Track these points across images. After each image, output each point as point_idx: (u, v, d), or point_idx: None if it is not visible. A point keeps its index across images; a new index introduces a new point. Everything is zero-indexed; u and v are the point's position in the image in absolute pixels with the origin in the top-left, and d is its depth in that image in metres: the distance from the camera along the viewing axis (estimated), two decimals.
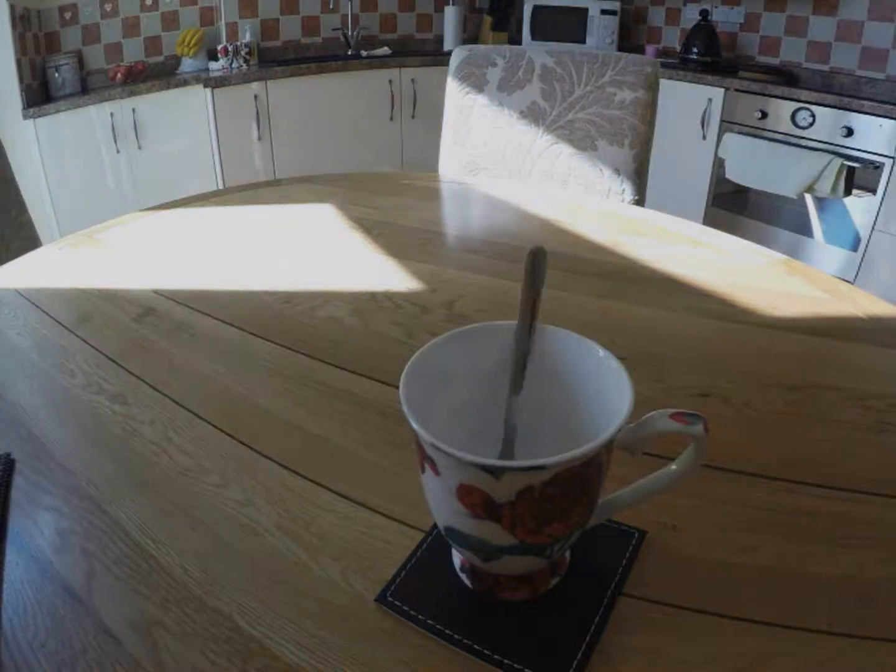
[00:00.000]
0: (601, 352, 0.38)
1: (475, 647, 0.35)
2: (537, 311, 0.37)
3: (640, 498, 0.38)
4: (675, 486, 0.37)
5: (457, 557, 0.41)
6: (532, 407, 0.40)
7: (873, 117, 2.18)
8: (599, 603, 0.37)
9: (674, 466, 0.37)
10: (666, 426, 0.34)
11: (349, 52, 3.32)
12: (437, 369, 0.38)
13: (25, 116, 2.43)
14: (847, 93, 2.48)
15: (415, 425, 0.32)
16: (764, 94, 2.49)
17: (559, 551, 0.36)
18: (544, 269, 0.36)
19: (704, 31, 2.92)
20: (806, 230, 2.52)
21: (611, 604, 0.37)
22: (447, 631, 0.36)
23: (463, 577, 0.39)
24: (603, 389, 0.37)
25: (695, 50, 2.93)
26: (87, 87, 2.75)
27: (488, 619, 0.37)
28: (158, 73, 2.95)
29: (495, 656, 0.35)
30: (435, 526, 0.42)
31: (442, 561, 0.41)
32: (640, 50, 3.34)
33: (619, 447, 0.35)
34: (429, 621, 0.37)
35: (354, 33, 3.36)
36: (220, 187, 2.85)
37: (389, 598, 0.38)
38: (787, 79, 2.76)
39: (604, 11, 3.13)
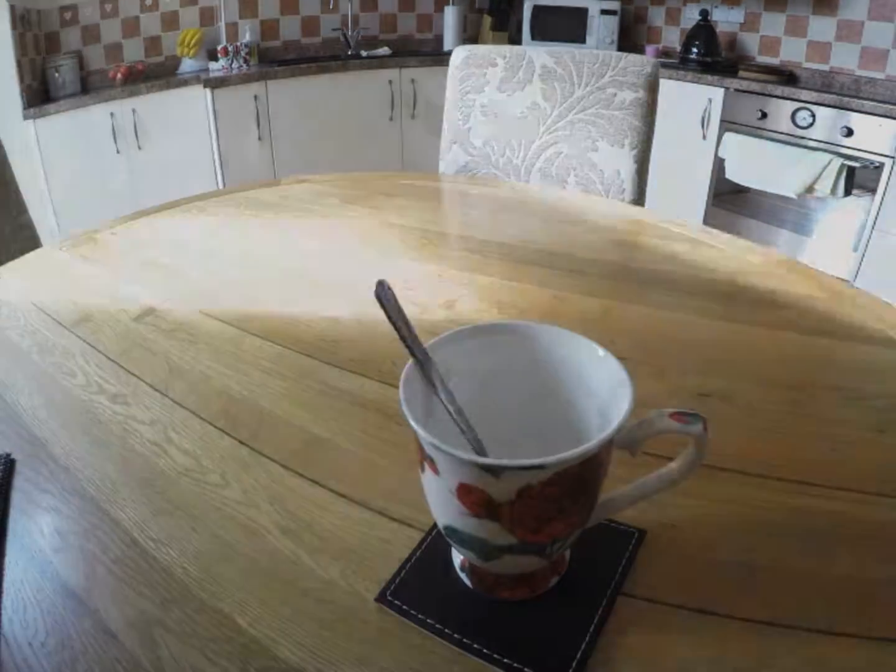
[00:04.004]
0: (601, 352, 0.38)
1: (475, 646, 0.35)
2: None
3: (640, 497, 0.38)
4: (675, 486, 0.37)
5: (457, 557, 0.41)
6: (530, 406, 0.40)
7: (873, 117, 2.18)
8: (599, 602, 0.37)
9: (674, 466, 0.37)
10: (666, 426, 0.34)
11: (349, 52, 3.32)
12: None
13: (25, 116, 2.43)
14: (847, 93, 2.48)
15: (414, 425, 0.32)
16: (764, 94, 2.49)
17: (559, 550, 0.36)
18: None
19: (704, 31, 2.92)
20: (806, 230, 2.52)
21: (610, 603, 0.37)
22: (447, 630, 0.36)
23: (463, 576, 0.39)
24: (602, 389, 0.37)
25: (695, 50, 2.93)
26: (87, 88, 2.75)
27: (488, 618, 0.37)
28: (158, 73, 2.95)
29: (495, 655, 0.35)
30: (435, 525, 0.42)
31: (442, 560, 0.41)
32: (640, 50, 3.34)
33: (619, 447, 0.35)
34: (428, 621, 0.37)
35: (354, 33, 3.36)
36: (220, 187, 2.86)
37: (389, 598, 0.38)
38: (787, 79, 2.76)
39: (604, 11, 3.13)
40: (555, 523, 0.33)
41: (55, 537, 0.43)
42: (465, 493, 0.32)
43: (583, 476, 0.32)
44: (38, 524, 0.44)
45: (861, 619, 0.36)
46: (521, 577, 0.38)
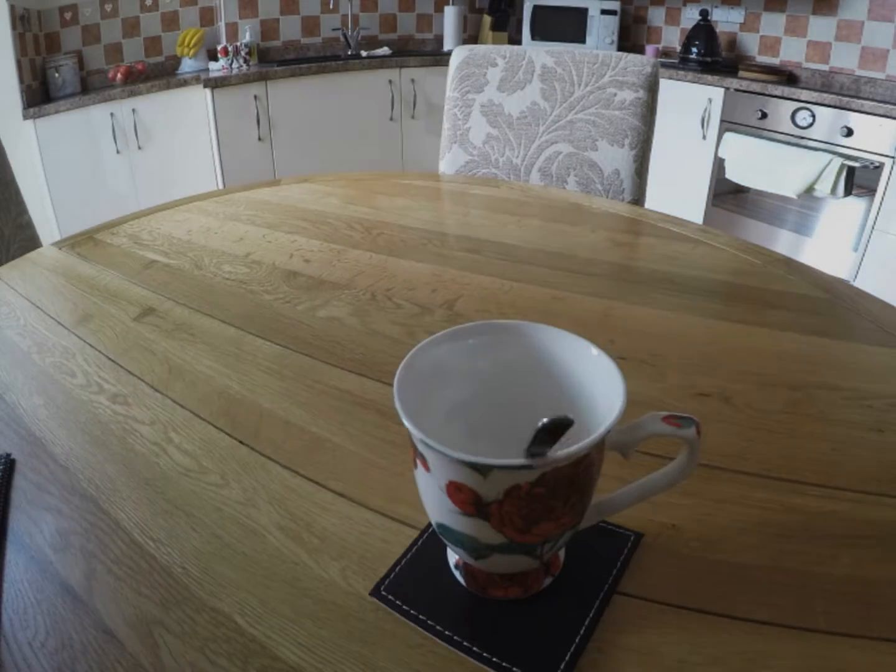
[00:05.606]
0: (594, 350, 0.37)
1: (465, 643, 0.35)
2: None
3: (635, 501, 0.38)
4: (668, 489, 0.37)
5: (451, 555, 0.41)
6: (526, 405, 0.40)
7: (873, 117, 2.18)
8: (591, 604, 0.37)
9: (668, 470, 0.37)
10: (658, 429, 0.34)
11: (349, 53, 3.32)
12: (433, 367, 0.38)
13: (25, 116, 2.43)
14: (847, 93, 2.48)
15: (406, 421, 0.32)
16: (764, 94, 2.49)
17: (550, 551, 0.35)
18: None
19: (704, 31, 2.92)
20: (806, 230, 2.52)
21: (602, 606, 0.37)
22: (438, 627, 0.36)
23: (457, 574, 0.39)
24: (596, 389, 0.37)
25: (695, 50, 2.93)
26: (87, 88, 2.76)
27: (480, 617, 0.37)
28: (158, 74, 2.95)
29: (485, 654, 0.35)
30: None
31: (438, 558, 0.41)
32: (640, 50, 3.34)
33: (611, 448, 0.35)
34: (421, 616, 0.37)
35: (354, 33, 3.36)
36: (220, 187, 2.86)
37: (383, 592, 0.38)
38: (787, 79, 2.76)
39: (604, 11, 3.13)
40: (544, 524, 0.33)
41: (55, 537, 0.43)
42: (454, 490, 0.32)
43: (572, 477, 0.32)
44: (38, 524, 0.44)
45: (861, 619, 0.36)
46: (514, 576, 0.38)
